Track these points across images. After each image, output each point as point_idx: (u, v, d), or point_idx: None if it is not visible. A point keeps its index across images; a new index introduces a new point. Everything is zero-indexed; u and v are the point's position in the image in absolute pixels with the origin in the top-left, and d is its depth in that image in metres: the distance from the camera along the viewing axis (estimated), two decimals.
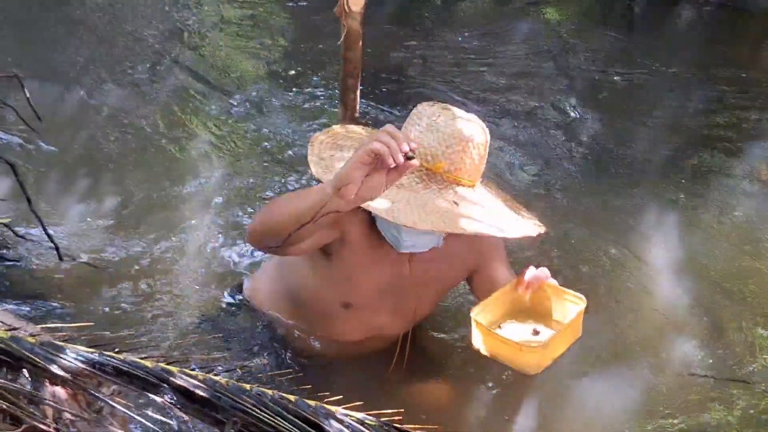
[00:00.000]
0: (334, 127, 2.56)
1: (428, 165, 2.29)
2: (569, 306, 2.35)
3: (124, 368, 1.74)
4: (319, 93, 4.60)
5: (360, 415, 1.78)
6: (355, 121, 3.47)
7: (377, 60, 4.98)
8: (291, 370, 1.88)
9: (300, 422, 1.70)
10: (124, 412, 1.80)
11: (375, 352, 2.66)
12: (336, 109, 3.74)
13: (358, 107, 3.51)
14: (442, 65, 5.15)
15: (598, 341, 2.84)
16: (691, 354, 2.86)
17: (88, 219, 3.31)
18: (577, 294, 2.37)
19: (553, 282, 2.39)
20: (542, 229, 2.45)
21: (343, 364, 2.64)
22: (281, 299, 2.70)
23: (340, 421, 1.74)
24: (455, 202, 2.26)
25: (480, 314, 2.30)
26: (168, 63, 4.88)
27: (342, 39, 3.35)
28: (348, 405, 1.81)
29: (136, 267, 3.02)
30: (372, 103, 4.51)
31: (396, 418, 1.81)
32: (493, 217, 2.34)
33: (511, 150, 4.22)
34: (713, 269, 3.35)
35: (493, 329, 2.33)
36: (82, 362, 1.74)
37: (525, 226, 2.42)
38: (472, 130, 2.32)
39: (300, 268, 2.62)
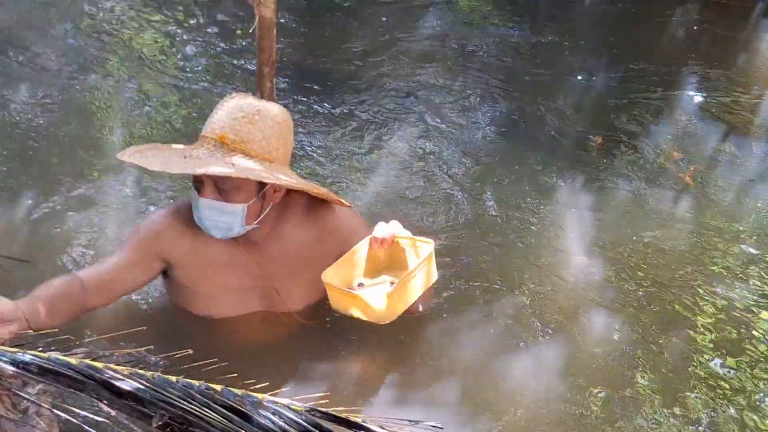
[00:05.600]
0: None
1: (214, 136, 2.40)
2: (422, 253, 2.41)
3: (49, 366, 1.74)
4: (238, 83, 4.57)
5: (286, 400, 1.80)
6: None
7: (294, 49, 4.98)
8: (216, 359, 1.88)
9: (227, 412, 1.72)
10: (51, 411, 1.81)
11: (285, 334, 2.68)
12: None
13: (274, 95, 3.51)
14: (358, 54, 5.15)
15: (516, 319, 2.90)
16: (606, 324, 2.96)
17: (6, 214, 3.26)
18: (426, 240, 2.42)
19: (406, 233, 2.45)
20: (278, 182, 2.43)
21: (267, 349, 2.65)
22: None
23: (267, 409, 1.76)
24: (233, 164, 2.35)
25: (333, 276, 2.36)
26: (80, 50, 4.81)
27: (255, 27, 3.35)
28: (274, 391, 1.84)
29: (56, 263, 2.97)
30: (288, 91, 4.51)
31: (321, 401, 1.84)
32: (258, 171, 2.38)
33: (421, 136, 4.24)
34: (626, 245, 3.43)
35: (353, 288, 2.39)
36: (6, 362, 1.74)
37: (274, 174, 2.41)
38: (261, 106, 2.44)
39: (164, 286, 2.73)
